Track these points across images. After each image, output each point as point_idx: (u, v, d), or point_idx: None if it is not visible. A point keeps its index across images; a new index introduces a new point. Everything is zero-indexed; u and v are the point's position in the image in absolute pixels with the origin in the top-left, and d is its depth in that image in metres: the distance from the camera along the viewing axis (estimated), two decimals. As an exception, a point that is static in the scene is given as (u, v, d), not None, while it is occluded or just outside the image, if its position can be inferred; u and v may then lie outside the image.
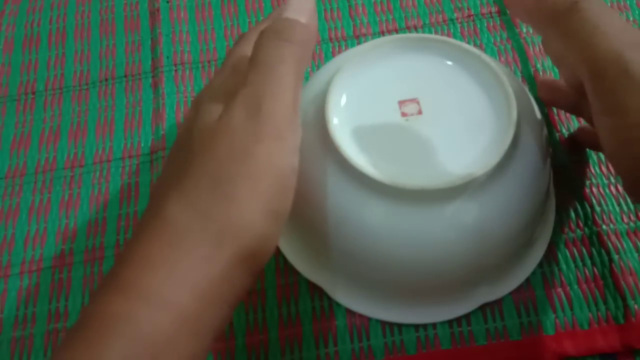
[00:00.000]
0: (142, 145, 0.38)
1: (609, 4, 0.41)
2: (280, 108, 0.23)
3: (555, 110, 0.37)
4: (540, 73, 0.38)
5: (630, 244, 0.32)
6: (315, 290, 0.32)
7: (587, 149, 0.36)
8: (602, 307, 0.31)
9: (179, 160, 0.24)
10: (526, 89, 0.34)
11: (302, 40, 0.25)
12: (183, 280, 0.21)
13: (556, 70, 0.39)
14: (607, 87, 0.24)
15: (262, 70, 0.24)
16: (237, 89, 0.24)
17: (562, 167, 0.35)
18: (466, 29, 0.41)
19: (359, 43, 0.41)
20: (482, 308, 0.31)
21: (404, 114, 0.29)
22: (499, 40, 0.40)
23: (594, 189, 0.34)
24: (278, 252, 0.33)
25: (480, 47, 0.40)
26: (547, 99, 0.35)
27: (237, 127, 0.23)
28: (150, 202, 0.24)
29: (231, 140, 0.23)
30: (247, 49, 0.27)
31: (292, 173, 0.24)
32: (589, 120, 0.31)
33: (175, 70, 0.41)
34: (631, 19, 0.41)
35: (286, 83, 0.24)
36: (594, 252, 0.32)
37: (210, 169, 0.23)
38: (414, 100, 0.30)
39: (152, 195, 0.25)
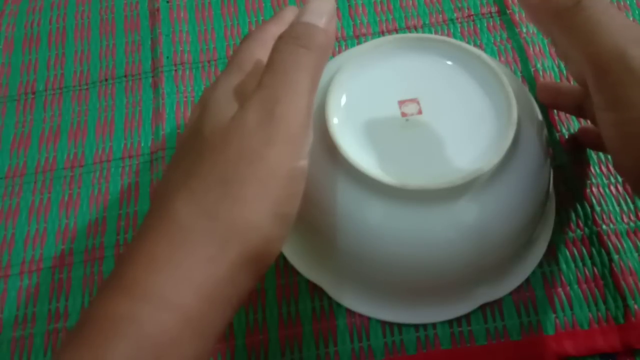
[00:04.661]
0: (142, 145, 0.38)
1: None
2: (294, 113, 0.23)
3: (555, 110, 0.37)
4: (540, 73, 0.38)
5: (630, 244, 0.32)
6: (315, 290, 0.32)
7: (587, 149, 0.36)
8: (602, 307, 0.31)
9: (186, 159, 0.24)
10: (526, 89, 0.34)
11: (319, 46, 0.25)
12: (188, 281, 0.21)
13: (556, 71, 0.39)
14: (610, 83, 0.24)
15: (278, 75, 0.24)
16: (250, 90, 0.24)
17: (562, 167, 0.35)
18: (466, 29, 0.41)
19: (359, 43, 0.41)
20: (482, 308, 0.31)
21: (404, 114, 0.29)
22: (499, 40, 0.40)
23: (594, 189, 0.34)
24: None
25: (480, 47, 0.40)
26: (548, 102, 0.35)
27: (249, 129, 0.23)
28: (154, 201, 0.24)
29: (243, 142, 0.23)
30: (254, 49, 0.27)
31: (301, 177, 0.24)
32: (592, 120, 0.31)
33: (175, 70, 0.41)
34: (631, 18, 0.41)
35: (301, 88, 0.24)
36: (594, 252, 0.32)
37: (220, 170, 0.23)
38: (414, 100, 0.30)
39: (156, 193, 0.25)
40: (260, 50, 0.27)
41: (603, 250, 0.32)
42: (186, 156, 0.24)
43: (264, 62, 0.25)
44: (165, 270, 0.21)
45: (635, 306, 0.31)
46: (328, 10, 0.25)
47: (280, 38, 0.25)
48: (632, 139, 0.24)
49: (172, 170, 0.25)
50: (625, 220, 0.33)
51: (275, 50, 0.25)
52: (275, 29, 0.27)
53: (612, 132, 0.25)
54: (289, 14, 0.29)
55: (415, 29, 0.41)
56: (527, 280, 0.32)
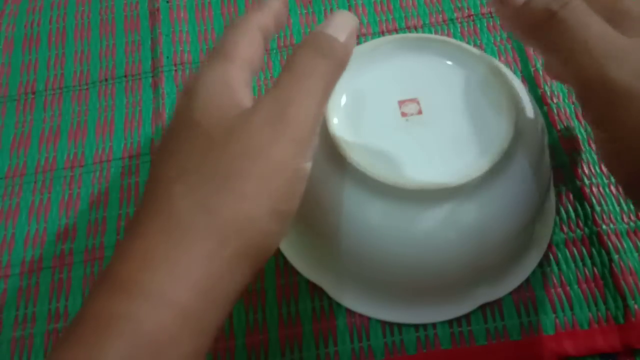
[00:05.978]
0: (142, 145, 0.38)
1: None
2: (304, 116, 0.23)
3: (555, 110, 0.37)
4: (540, 73, 0.38)
5: (630, 244, 0.32)
6: (315, 290, 0.32)
7: (587, 149, 0.36)
8: (602, 307, 0.31)
9: (182, 152, 0.24)
10: (526, 89, 0.34)
11: (338, 58, 0.25)
12: (186, 278, 0.21)
13: (556, 70, 0.39)
14: (595, 103, 0.24)
15: (295, 77, 0.24)
16: (239, 80, 0.24)
17: (562, 167, 0.35)
18: (466, 29, 0.41)
19: (358, 43, 0.41)
20: (482, 308, 0.31)
21: (404, 114, 0.29)
22: (499, 40, 0.40)
23: (594, 189, 0.34)
24: (278, 252, 0.33)
25: (480, 47, 0.40)
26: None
27: (258, 126, 0.23)
28: (147, 193, 0.24)
29: (249, 138, 0.23)
30: (237, 39, 0.26)
31: (303, 179, 0.24)
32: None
33: (175, 70, 0.41)
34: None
35: (314, 95, 0.24)
36: (594, 252, 0.32)
37: (223, 165, 0.23)
38: (414, 100, 0.30)
39: (148, 186, 0.24)
40: (244, 39, 0.26)
41: (603, 250, 0.32)
42: (181, 148, 0.24)
43: (247, 50, 0.25)
44: (163, 267, 0.21)
45: (635, 306, 0.31)
46: (351, 27, 0.26)
47: (302, 44, 0.25)
48: (622, 155, 0.24)
49: (164, 162, 0.24)
50: (625, 220, 0.33)
51: (295, 54, 0.25)
52: (259, 17, 0.27)
53: (603, 148, 0.25)
54: (275, 2, 0.28)
55: (415, 29, 0.41)
56: (527, 280, 0.32)
